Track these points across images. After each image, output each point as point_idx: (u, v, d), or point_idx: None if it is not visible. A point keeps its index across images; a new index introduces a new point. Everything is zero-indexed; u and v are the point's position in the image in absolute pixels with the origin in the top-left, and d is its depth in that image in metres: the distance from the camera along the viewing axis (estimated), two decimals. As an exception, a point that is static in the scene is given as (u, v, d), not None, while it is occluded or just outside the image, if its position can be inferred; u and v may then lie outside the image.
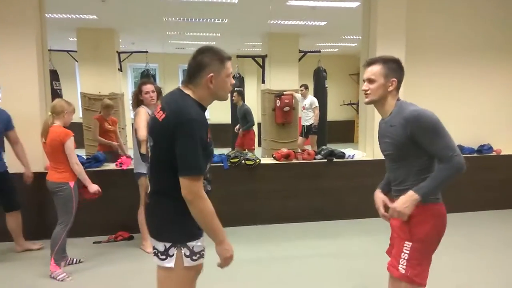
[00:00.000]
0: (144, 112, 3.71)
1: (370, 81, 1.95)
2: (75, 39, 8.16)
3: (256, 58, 8.42)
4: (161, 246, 1.75)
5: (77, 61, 8.57)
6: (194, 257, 1.74)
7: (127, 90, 11.82)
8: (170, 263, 1.72)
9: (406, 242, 1.89)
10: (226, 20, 7.31)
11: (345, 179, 4.75)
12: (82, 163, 4.22)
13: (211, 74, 1.71)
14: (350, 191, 4.73)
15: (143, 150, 3.68)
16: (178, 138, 1.63)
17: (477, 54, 5.19)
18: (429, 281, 3.18)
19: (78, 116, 9.56)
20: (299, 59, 8.82)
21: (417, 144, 1.86)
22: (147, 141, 1.81)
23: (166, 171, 1.69)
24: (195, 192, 1.65)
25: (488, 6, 5.16)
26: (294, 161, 4.77)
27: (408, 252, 1.88)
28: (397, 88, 1.97)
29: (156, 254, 1.77)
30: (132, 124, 3.87)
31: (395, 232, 2.01)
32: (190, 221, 1.69)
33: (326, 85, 8.80)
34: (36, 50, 4.11)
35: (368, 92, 1.97)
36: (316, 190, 4.75)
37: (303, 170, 4.74)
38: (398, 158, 1.96)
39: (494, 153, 5.19)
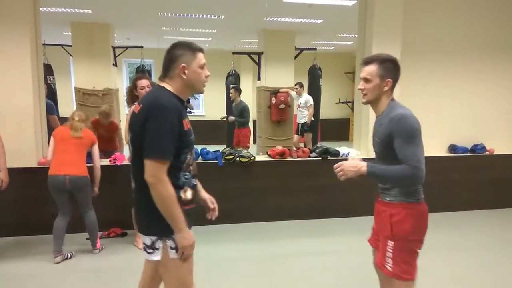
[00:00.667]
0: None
1: (366, 80, 1.97)
2: (70, 33, 8.09)
3: (252, 55, 8.39)
4: (148, 240, 1.79)
5: (71, 56, 8.49)
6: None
7: (122, 85, 11.75)
8: (157, 256, 1.77)
9: (388, 241, 1.94)
10: (222, 16, 7.28)
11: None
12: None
13: (183, 65, 1.76)
14: (345, 189, 4.73)
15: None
16: (147, 123, 1.67)
17: (471, 54, 5.22)
18: (423, 280, 3.21)
19: (72, 111, 9.51)
20: (295, 57, 8.81)
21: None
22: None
23: (142, 167, 1.69)
24: (155, 176, 1.65)
25: (485, 5, 5.18)
26: (289, 158, 4.77)
27: (391, 251, 1.93)
28: (392, 87, 1.99)
29: (145, 249, 1.81)
30: (127, 120, 3.82)
31: (378, 229, 2.08)
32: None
33: (321, 83, 8.81)
34: (29, 44, 4.07)
35: (364, 92, 1.99)
36: (311, 188, 4.76)
37: (297, 168, 4.75)
38: (384, 157, 1.99)
39: (487, 153, 5.23)
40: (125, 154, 4.55)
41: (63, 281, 3.23)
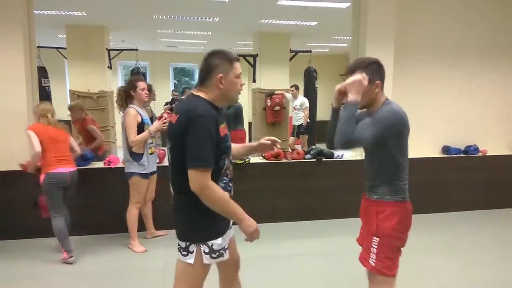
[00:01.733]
0: (133, 114, 3.68)
1: None
2: (65, 36, 8.07)
3: (247, 57, 8.41)
4: (182, 243, 1.86)
5: (66, 58, 8.47)
6: (213, 255, 1.82)
7: (117, 87, 11.73)
8: (190, 259, 1.82)
9: (374, 238, 2.00)
10: (217, 19, 7.30)
11: (334, 178, 4.78)
12: (70, 161, 4.21)
13: (220, 75, 1.78)
14: (339, 191, 4.77)
15: (138, 150, 3.73)
16: (187, 133, 1.70)
17: (464, 55, 5.25)
18: (416, 280, 3.23)
19: (67, 114, 9.47)
20: (290, 59, 8.83)
21: (385, 142, 1.93)
22: (167, 143, 1.89)
23: (184, 171, 1.74)
24: (201, 184, 1.70)
25: (479, 6, 5.22)
26: (284, 160, 4.78)
27: (376, 246, 1.98)
28: (382, 87, 2.03)
29: (179, 250, 1.88)
30: (122, 123, 3.81)
31: (364, 226, 2.14)
32: (210, 220, 1.80)
33: (317, 85, 8.84)
34: (23, 46, 4.06)
35: None
36: (306, 190, 4.77)
37: (292, 169, 4.76)
38: (372, 152, 2.05)
39: (480, 154, 5.26)
40: (119, 157, 4.54)
41: (55, 284, 3.21)
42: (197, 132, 1.69)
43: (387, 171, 1.99)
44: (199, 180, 1.69)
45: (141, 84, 3.78)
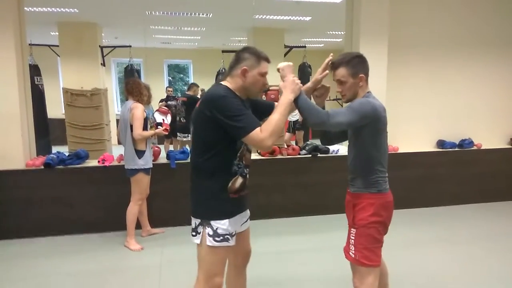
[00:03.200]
0: (143, 108, 3.80)
1: (341, 82, 2.06)
2: (57, 33, 8.00)
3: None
4: (193, 223, 1.95)
5: (59, 56, 8.41)
6: (216, 238, 1.89)
7: (111, 85, 11.68)
8: (197, 239, 1.93)
9: (351, 229, 2.08)
10: (211, 14, 7.26)
11: (329, 174, 4.78)
12: (64, 160, 4.19)
13: (245, 67, 1.90)
14: (335, 186, 4.75)
15: (142, 147, 3.77)
16: (219, 116, 1.77)
17: (458, 49, 5.26)
18: (410, 273, 3.25)
19: (61, 112, 9.41)
20: (285, 54, 8.80)
21: (359, 134, 2.00)
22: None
23: (202, 152, 1.88)
24: (262, 140, 1.75)
25: (472, 2, 5.23)
26: (279, 156, 4.78)
27: (353, 238, 2.05)
28: (366, 80, 2.07)
29: (191, 230, 1.97)
30: (125, 118, 3.79)
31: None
32: (218, 200, 1.90)
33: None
34: (14, 44, 4.01)
35: (343, 93, 2.08)
36: (301, 185, 4.77)
37: (288, 165, 4.76)
38: (349, 146, 2.13)
39: (474, 148, 5.29)
40: (113, 155, 4.52)
41: (51, 282, 3.20)
42: (228, 108, 1.77)
43: (362, 164, 2.05)
44: (257, 138, 1.76)
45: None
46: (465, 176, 5.22)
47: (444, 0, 5.14)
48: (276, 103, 2.18)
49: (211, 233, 1.89)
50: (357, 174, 2.08)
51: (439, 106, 5.29)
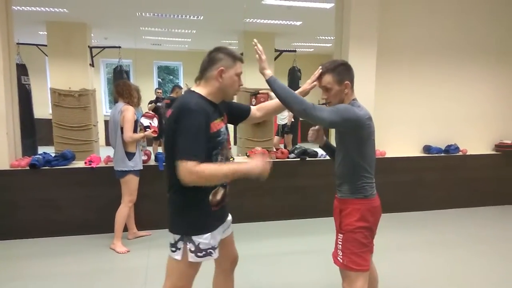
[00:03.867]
0: (133, 111, 3.81)
1: (327, 89, 2.09)
2: (45, 32, 7.90)
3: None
4: (172, 238, 1.86)
5: (47, 56, 8.30)
6: (199, 254, 1.83)
7: (99, 86, 11.57)
8: (178, 255, 1.83)
9: (339, 234, 2.10)
10: (202, 17, 7.26)
11: (318, 177, 4.80)
12: (50, 161, 4.14)
13: (221, 68, 1.83)
14: (323, 189, 4.78)
15: (132, 149, 3.78)
16: (177, 127, 1.71)
17: (445, 55, 5.33)
18: (399, 277, 3.27)
19: (48, 113, 9.29)
20: (275, 58, 8.85)
21: (343, 138, 2.06)
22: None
23: (174, 168, 1.74)
24: (191, 173, 1.67)
25: (460, 7, 5.31)
26: (268, 159, 4.77)
27: (340, 243, 2.07)
28: (352, 87, 2.11)
29: (169, 245, 1.88)
30: (115, 120, 3.77)
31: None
32: (197, 214, 1.82)
33: (300, 85, 8.85)
34: (1, 43, 3.96)
35: (328, 100, 2.11)
36: (290, 189, 4.78)
37: (276, 168, 4.70)
38: (336, 152, 2.15)
39: (460, 153, 5.36)
40: (101, 156, 4.48)
41: (35, 284, 3.14)
42: (186, 126, 1.70)
43: (347, 171, 2.07)
44: (188, 170, 1.67)
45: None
46: (451, 181, 5.30)
47: (432, 5, 5.21)
48: (253, 107, 2.18)
49: (193, 249, 1.81)
50: (343, 180, 2.10)
51: (426, 111, 5.36)
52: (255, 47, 1.99)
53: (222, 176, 1.75)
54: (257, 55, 2.02)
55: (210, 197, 1.84)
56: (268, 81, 1.97)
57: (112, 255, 3.74)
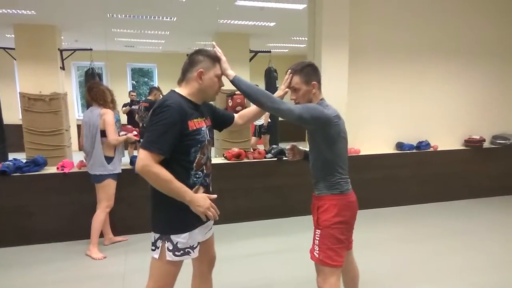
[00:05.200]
0: (113, 115, 3.79)
1: (295, 90, 2.15)
2: (13, 35, 7.65)
3: (206, 58, 8.34)
4: (152, 237, 1.90)
5: (15, 59, 8.04)
6: (177, 253, 1.85)
7: (71, 89, 11.30)
8: (156, 254, 1.88)
9: (316, 230, 2.15)
10: (175, 18, 7.20)
11: (294, 177, 4.84)
12: (20, 167, 4.02)
13: (201, 70, 1.87)
14: (300, 189, 4.83)
15: (111, 153, 3.76)
16: (149, 120, 1.78)
17: (415, 53, 5.47)
18: (371, 271, 3.34)
19: (18, 118, 9.00)
20: (250, 59, 8.86)
21: (313, 136, 2.11)
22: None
23: None
24: (143, 163, 1.72)
25: (429, 8, 5.45)
26: (245, 160, 4.80)
27: (318, 238, 2.12)
28: (319, 87, 2.17)
29: (151, 245, 1.92)
30: (92, 124, 3.72)
31: None
32: (177, 214, 1.84)
33: (277, 85, 8.91)
34: (-35, 46, 3.82)
35: (296, 100, 2.16)
36: (267, 189, 4.81)
37: (253, 169, 4.78)
38: (310, 150, 2.21)
39: (431, 149, 5.53)
40: (73, 161, 4.38)
41: (8, 297, 3.05)
42: (157, 120, 1.74)
43: (321, 168, 2.13)
44: (143, 160, 1.72)
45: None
46: (423, 177, 5.45)
47: (404, 6, 5.34)
48: (236, 115, 2.22)
49: (170, 247, 1.85)
50: (318, 178, 2.15)
51: (398, 109, 5.49)
52: (214, 48, 2.01)
53: (169, 188, 1.77)
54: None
55: None
56: (233, 82, 1.98)
57: (88, 262, 3.66)
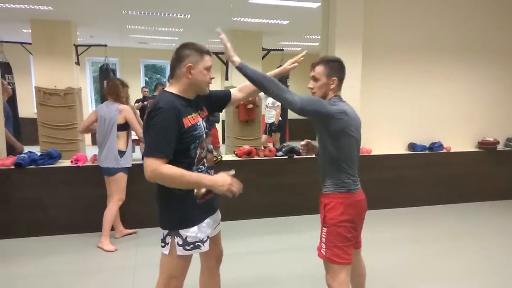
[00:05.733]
0: (131, 111, 3.90)
1: (315, 79, 2.14)
2: (30, 30, 7.78)
3: (219, 55, 8.37)
4: (161, 233, 1.91)
5: (31, 54, 8.18)
6: (187, 247, 1.87)
7: (85, 84, 11.45)
8: (166, 250, 1.89)
9: (323, 228, 2.16)
10: (189, 15, 7.24)
11: (305, 175, 4.84)
12: (35, 160, 4.10)
13: (190, 64, 1.84)
14: (310, 187, 4.82)
15: (124, 147, 3.84)
16: (146, 126, 1.79)
17: (429, 54, 5.42)
18: (383, 272, 3.33)
19: (33, 112, 9.15)
20: (263, 57, 8.87)
21: (320, 134, 2.11)
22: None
23: None
24: (152, 170, 1.73)
25: (443, 7, 5.39)
26: (256, 158, 4.81)
27: (324, 236, 2.13)
28: (339, 85, 2.15)
29: (160, 241, 1.93)
30: (109, 118, 3.79)
31: None
32: (184, 208, 1.86)
33: (288, 83, 8.90)
34: (-16, 41, 3.90)
35: (313, 90, 2.16)
36: (277, 186, 4.82)
37: (264, 166, 4.80)
38: (319, 145, 2.19)
39: (444, 151, 5.47)
40: (87, 155, 4.45)
41: (19, 285, 3.12)
42: (153, 124, 1.74)
43: (329, 166, 2.12)
44: (150, 166, 1.73)
45: (126, 89, 3.99)
46: (435, 178, 5.40)
47: (418, 5, 5.29)
48: (233, 90, 2.20)
49: (180, 242, 1.86)
50: (326, 175, 2.16)
51: (411, 109, 5.45)
52: (220, 36, 1.98)
53: (185, 182, 1.77)
54: (222, 44, 2.00)
55: (195, 190, 1.86)
56: (239, 68, 1.98)
57: (99, 254, 3.72)
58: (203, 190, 1.88)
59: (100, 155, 3.84)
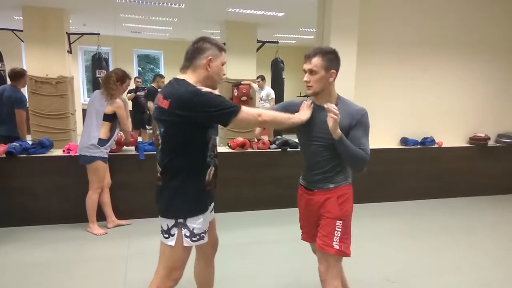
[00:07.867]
0: (123, 107, 3.87)
1: (312, 72, 2.01)
2: (21, 17, 7.65)
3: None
4: (165, 225, 1.90)
5: (23, 41, 8.05)
6: (193, 238, 1.91)
7: (78, 73, 11.32)
8: (171, 241, 1.89)
9: (337, 221, 2.06)
10: (183, 5, 7.17)
11: (297, 168, 4.80)
12: (27, 148, 4.06)
13: (210, 57, 1.89)
14: (303, 180, 4.85)
15: (106, 136, 3.81)
16: (197, 111, 1.76)
17: (423, 49, 5.43)
18: (377, 265, 3.37)
19: (23, 100, 9.02)
20: (257, 49, 8.83)
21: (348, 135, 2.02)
22: (155, 129, 1.92)
23: (175, 154, 1.85)
24: (251, 119, 1.92)
25: (437, 3, 5.40)
26: (250, 150, 4.81)
27: (340, 229, 2.06)
28: (335, 77, 2.07)
29: (161, 232, 1.93)
30: (85, 109, 3.78)
31: (311, 220, 2.25)
32: (195, 196, 1.89)
33: (284, 76, 8.89)
34: (-25, 27, 3.83)
35: (310, 84, 2.04)
36: (270, 179, 4.83)
37: (257, 159, 4.80)
38: (327, 145, 2.06)
39: (436, 145, 5.51)
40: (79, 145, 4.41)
41: (8, 274, 3.10)
42: (206, 100, 1.78)
43: (338, 160, 2.07)
44: (247, 118, 1.89)
45: (128, 82, 3.94)
46: (427, 173, 5.45)
47: (413, 0, 5.29)
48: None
49: (188, 234, 1.89)
50: (338, 170, 2.11)
51: (404, 105, 5.47)
52: (332, 108, 1.93)
53: (278, 120, 2.07)
54: (331, 117, 1.93)
55: (206, 177, 1.93)
56: (340, 141, 1.96)
57: (91, 244, 3.71)
58: (211, 176, 1.95)
59: (83, 142, 3.82)
